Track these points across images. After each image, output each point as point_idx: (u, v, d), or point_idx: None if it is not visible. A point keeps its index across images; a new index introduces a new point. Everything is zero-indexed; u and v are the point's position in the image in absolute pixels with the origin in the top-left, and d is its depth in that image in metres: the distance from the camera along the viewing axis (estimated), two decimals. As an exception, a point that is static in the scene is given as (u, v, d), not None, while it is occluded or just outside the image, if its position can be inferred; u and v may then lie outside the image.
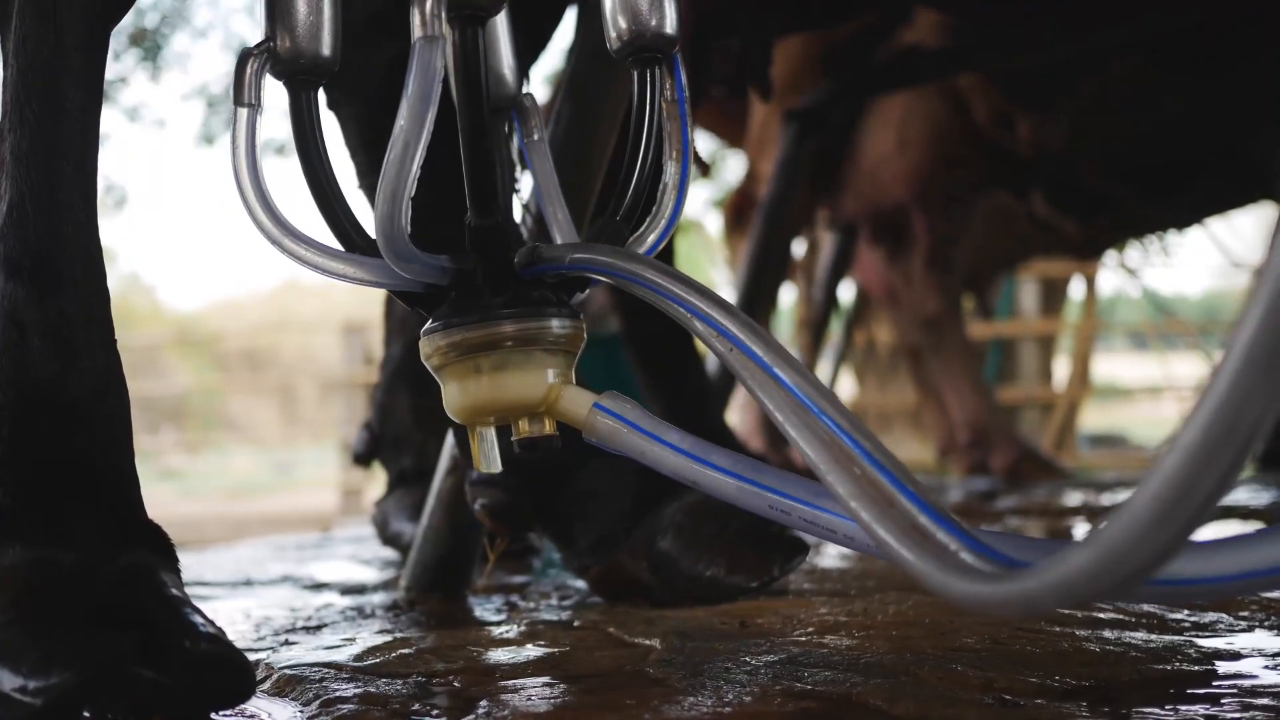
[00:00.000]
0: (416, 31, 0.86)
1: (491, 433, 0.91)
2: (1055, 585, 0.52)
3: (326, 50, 0.92)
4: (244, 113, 0.91)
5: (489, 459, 0.91)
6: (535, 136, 1.06)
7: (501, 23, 1.05)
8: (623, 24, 0.92)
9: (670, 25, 0.93)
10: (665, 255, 2.06)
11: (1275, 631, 1.10)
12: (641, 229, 0.95)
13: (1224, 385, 0.45)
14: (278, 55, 0.91)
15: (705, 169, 2.00)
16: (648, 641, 1.13)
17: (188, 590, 0.93)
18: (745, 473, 0.77)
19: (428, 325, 0.89)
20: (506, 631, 1.25)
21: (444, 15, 0.87)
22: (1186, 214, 3.54)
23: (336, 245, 0.92)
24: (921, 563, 0.62)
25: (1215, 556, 0.57)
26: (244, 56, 0.92)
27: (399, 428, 1.96)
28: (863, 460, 0.67)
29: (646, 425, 0.82)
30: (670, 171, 0.95)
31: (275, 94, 0.95)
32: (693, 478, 0.79)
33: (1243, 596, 1.26)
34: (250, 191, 0.90)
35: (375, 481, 10.74)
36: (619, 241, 0.92)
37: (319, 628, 1.34)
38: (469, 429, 0.91)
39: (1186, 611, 1.19)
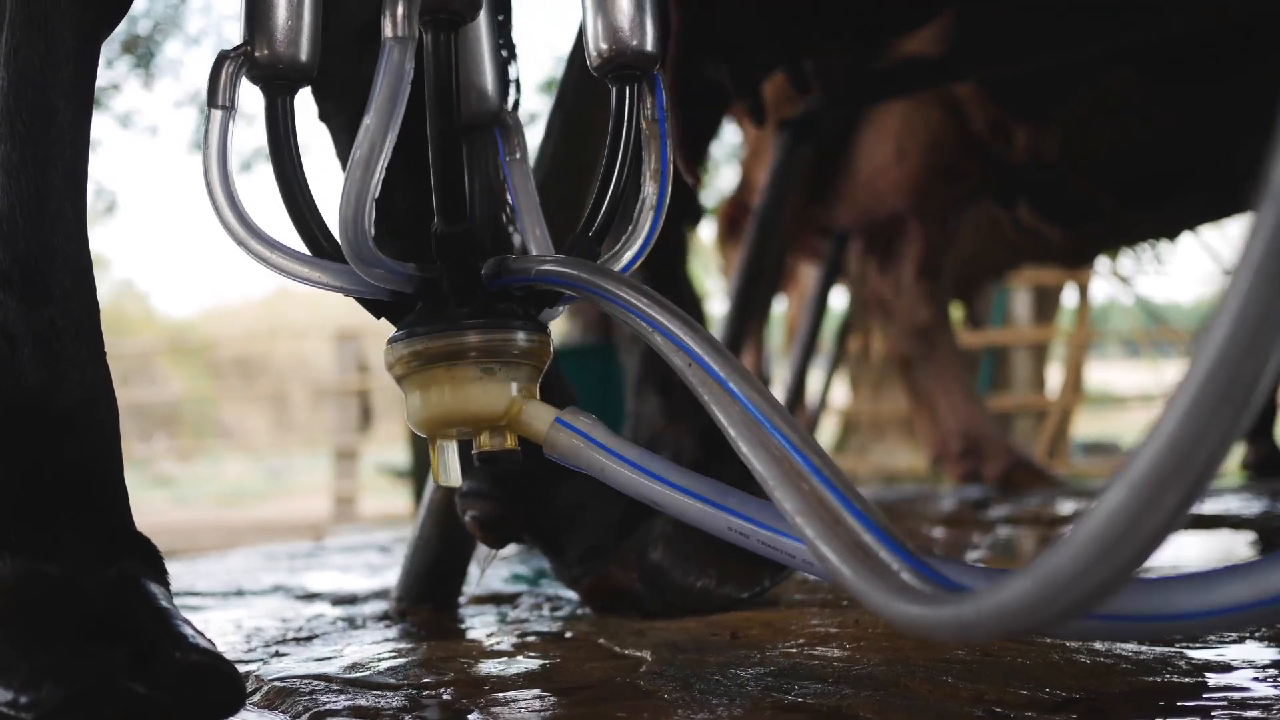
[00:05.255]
0: (387, 32, 0.86)
1: (453, 446, 0.90)
2: (991, 613, 0.51)
3: (304, 56, 0.92)
4: (217, 115, 0.91)
5: (448, 472, 0.90)
6: (517, 155, 1.06)
7: (485, 38, 1.05)
8: (604, 43, 0.92)
9: (651, 44, 0.93)
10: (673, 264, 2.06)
11: (1266, 643, 1.10)
12: (617, 246, 0.95)
13: (1175, 419, 0.43)
14: (255, 60, 0.91)
15: (698, 180, 2.00)
16: (638, 653, 1.13)
17: (179, 600, 0.93)
18: (706, 493, 0.76)
19: (393, 334, 0.89)
20: (497, 643, 1.25)
21: (415, 18, 0.87)
22: (1173, 223, 3.55)
23: (306, 250, 0.92)
24: (860, 581, 0.61)
25: (1174, 592, 0.54)
26: (220, 59, 0.92)
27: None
28: (812, 478, 0.67)
29: (607, 442, 0.81)
30: (649, 190, 0.94)
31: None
32: (652, 497, 0.78)
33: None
34: (219, 193, 0.90)
35: (367, 489, 10.72)
36: (590, 257, 0.92)
37: (310, 639, 1.34)
38: (429, 441, 0.90)
39: (1177, 622, 1.19)
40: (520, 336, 0.87)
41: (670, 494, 0.77)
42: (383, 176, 0.86)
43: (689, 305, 2.06)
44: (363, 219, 0.85)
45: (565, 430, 0.83)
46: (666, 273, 1.94)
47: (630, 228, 0.95)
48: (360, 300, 0.94)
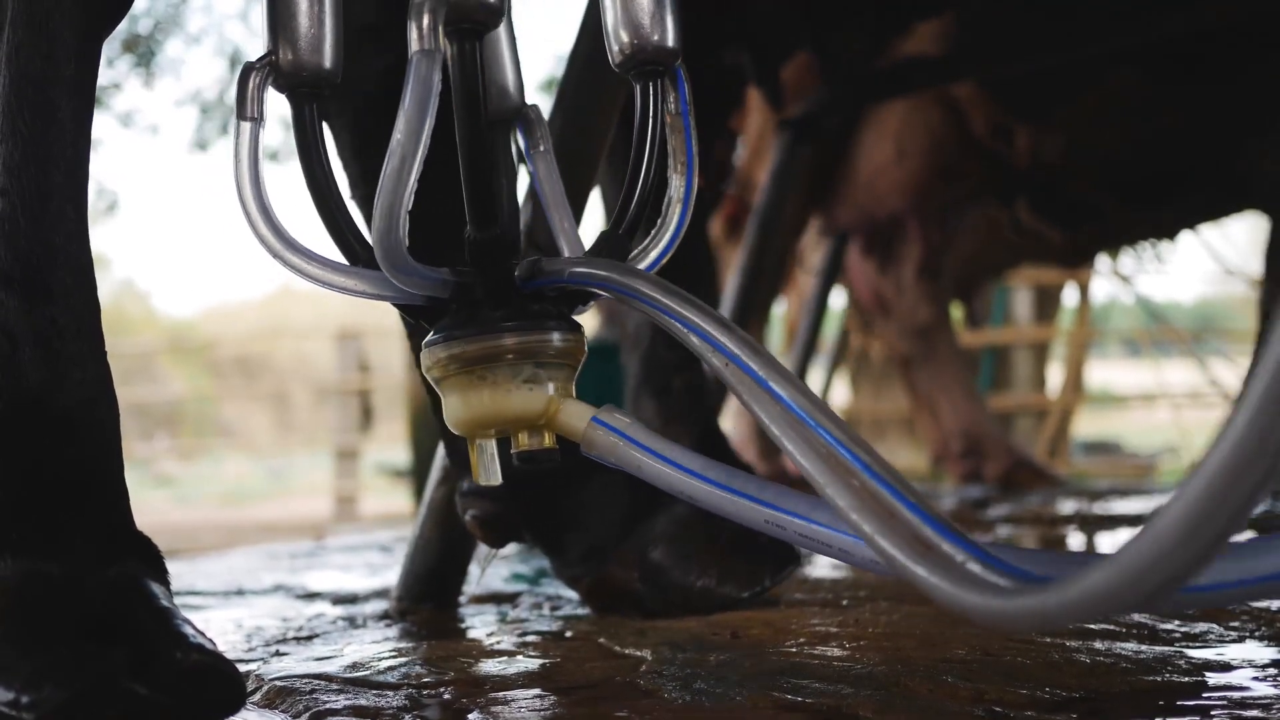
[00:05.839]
0: (414, 45, 0.86)
1: (492, 445, 0.91)
2: (1072, 603, 0.52)
3: (328, 62, 0.92)
4: (246, 126, 0.91)
5: (489, 471, 0.91)
6: (541, 148, 1.06)
7: (503, 33, 1.05)
8: (625, 38, 0.92)
9: (672, 38, 0.93)
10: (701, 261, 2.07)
11: (1266, 642, 1.10)
12: (646, 242, 0.95)
13: (1252, 409, 0.44)
14: (280, 68, 0.91)
15: (700, 180, 1.99)
16: (639, 653, 1.13)
17: (179, 600, 0.93)
18: (743, 488, 0.77)
19: (429, 338, 0.89)
20: (498, 642, 1.25)
21: (441, 29, 0.87)
22: (1174, 223, 3.55)
23: (338, 258, 0.92)
24: (930, 575, 0.61)
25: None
26: (246, 71, 0.92)
27: None
28: (861, 473, 0.67)
29: (644, 440, 0.82)
30: (675, 185, 0.95)
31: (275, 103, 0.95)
32: (690, 493, 0.79)
33: (1232, 606, 1.26)
34: (253, 205, 0.90)
35: (368, 488, 10.71)
36: (621, 256, 0.92)
37: (310, 638, 1.34)
38: (469, 441, 0.91)
39: (1177, 622, 1.20)
40: (556, 337, 0.88)
41: (707, 489, 0.78)
42: (415, 188, 0.86)
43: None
44: (397, 230, 0.85)
45: (603, 429, 0.83)
46: (691, 270, 1.94)
47: (659, 221, 0.95)
48: (396, 305, 0.94)
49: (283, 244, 0.90)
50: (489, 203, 0.91)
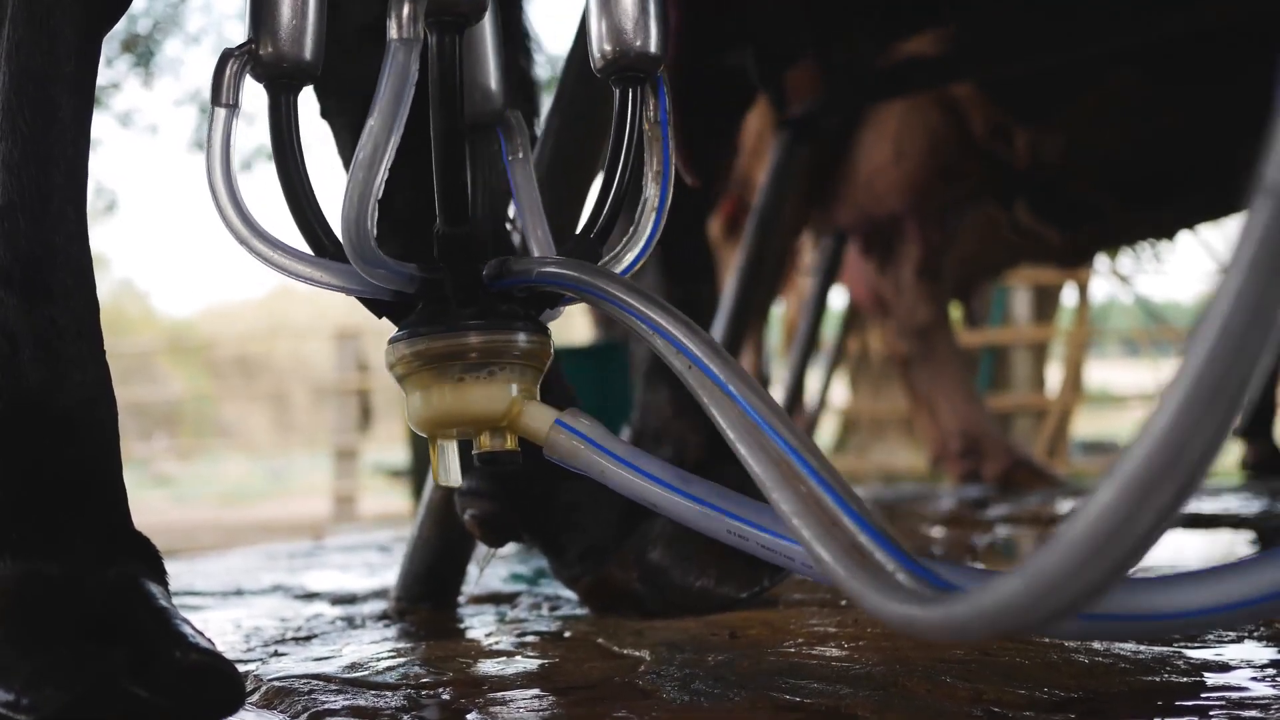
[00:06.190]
0: (392, 33, 0.87)
1: (453, 446, 0.90)
2: (985, 612, 0.51)
3: (309, 54, 0.92)
4: (221, 113, 0.91)
5: (448, 472, 0.90)
6: (519, 155, 1.06)
7: (489, 39, 1.05)
8: (607, 44, 0.93)
9: (655, 45, 0.93)
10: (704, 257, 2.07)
11: (1264, 643, 1.10)
12: (619, 247, 0.95)
13: (1168, 417, 0.43)
14: (259, 58, 0.91)
15: (697, 181, 2.00)
16: (637, 653, 1.13)
17: (178, 600, 0.93)
18: (705, 497, 0.76)
19: (394, 334, 0.89)
20: (496, 643, 1.25)
21: (420, 20, 0.87)
22: (1173, 223, 3.55)
23: (308, 249, 0.92)
24: (855, 582, 0.61)
25: (1170, 591, 0.54)
26: (224, 57, 0.92)
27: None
28: (810, 480, 0.67)
29: (607, 445, 0.81)
30: (651, 191, 0.95)
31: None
32: (652, 500, 0.78)
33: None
34: (222, 191, 0.90)
35: (367, 488, 10.69)
36: (593, 258, 0.93)
37: (309, 638, 1.34)
38: (430, 441, 0.90)
39: (1176, 622, 1.19)
40: (521, 337, 0.87)
41: (670, 497, 0.77)
42: (385, 177, 0.86)
43: (707, 305, 2.07)
44: (365, 219, 0.85)
45: (565, 432, 0.83)
46: (690, 271, 1.93)
47: (632, 229, 0.95)
48: (362, 300, 0.94)
49: (250, 231, 0.90)
50: (460, 198, 0.90)
